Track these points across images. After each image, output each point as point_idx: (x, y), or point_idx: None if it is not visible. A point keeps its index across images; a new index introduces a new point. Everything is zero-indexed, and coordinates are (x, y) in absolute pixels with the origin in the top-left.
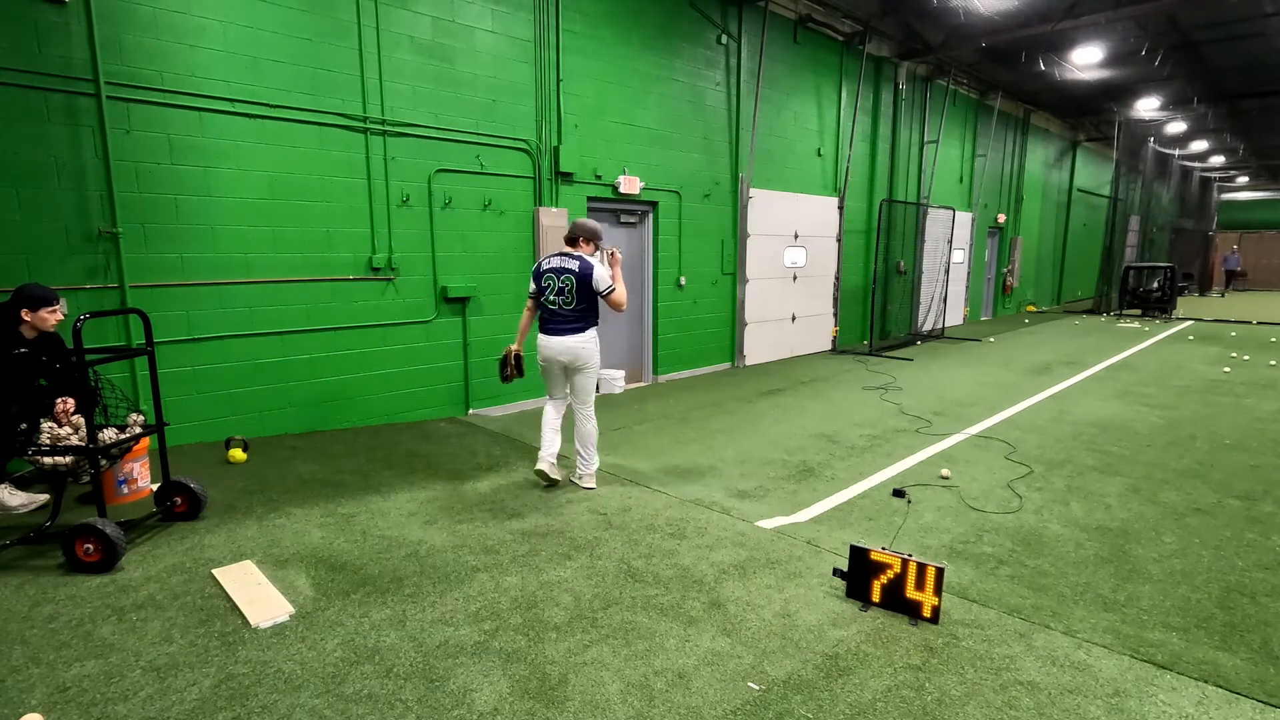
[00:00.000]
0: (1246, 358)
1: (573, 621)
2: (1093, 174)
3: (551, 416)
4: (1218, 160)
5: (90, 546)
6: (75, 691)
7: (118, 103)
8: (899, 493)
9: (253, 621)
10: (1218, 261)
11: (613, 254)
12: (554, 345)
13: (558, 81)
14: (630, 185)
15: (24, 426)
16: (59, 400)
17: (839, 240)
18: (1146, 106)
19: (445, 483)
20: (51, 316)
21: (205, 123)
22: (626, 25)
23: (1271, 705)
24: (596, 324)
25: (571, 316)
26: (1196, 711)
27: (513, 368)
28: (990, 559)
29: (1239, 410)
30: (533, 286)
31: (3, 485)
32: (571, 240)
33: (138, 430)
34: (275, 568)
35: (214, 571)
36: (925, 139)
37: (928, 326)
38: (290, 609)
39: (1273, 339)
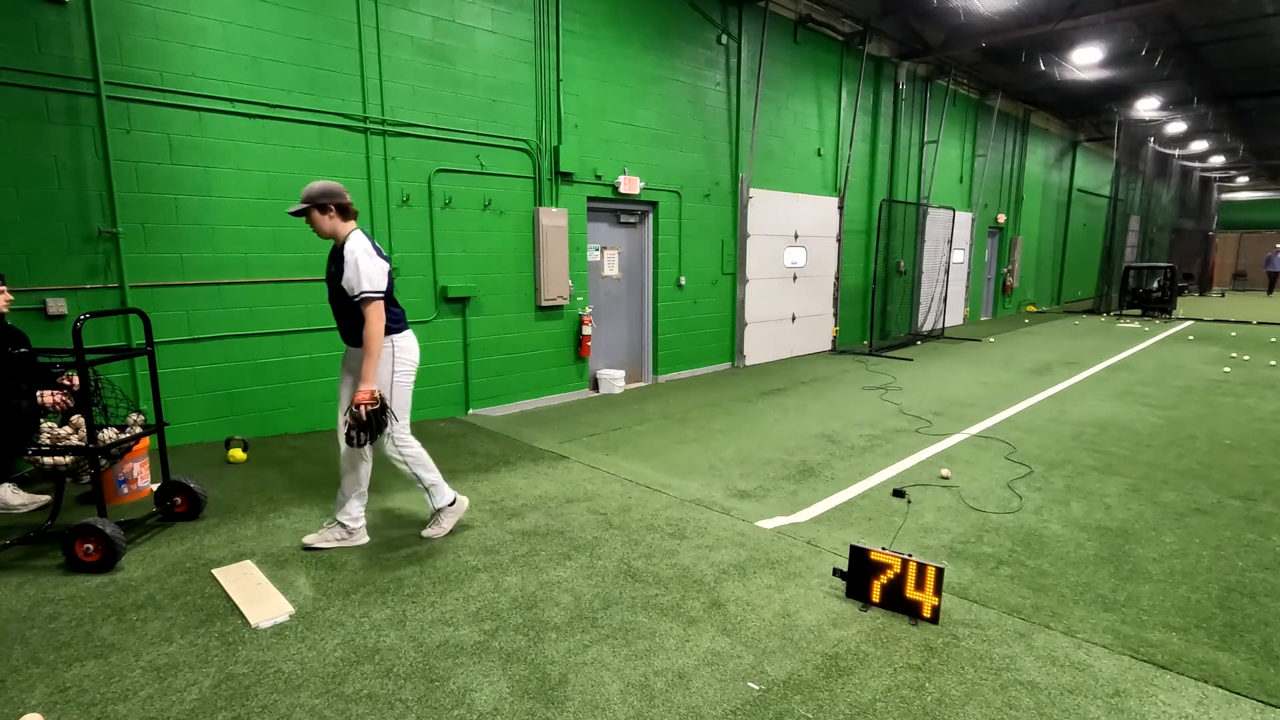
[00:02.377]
0: (1246, 358)
1: (573, 621)
2: (1093, 174)
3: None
4: (1218, 160)
5: (90, 546)
6: (75, 691)
7: (118, 103)
8: (899, 493)
9: (253, 621)
10: (1218, 261)
11: None
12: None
13: (558, 81)
14: (630, 185)
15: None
16: (43, 394)
17: (839, 240)
18: (1146, 106)
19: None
20: None
21: (205, 123)
22: (626, 25)
23: (1271, 705)
24: None
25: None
26: (1196, 711)
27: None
28: (990, 559)
29: (1239, 410)
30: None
31: (6, 484)
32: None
33: (138, 430)
34: (275, 568)
35: (214, 571)
36: (925, 139)
37: (928, 326)
38: (290, 609)
39: (1273, 339)
